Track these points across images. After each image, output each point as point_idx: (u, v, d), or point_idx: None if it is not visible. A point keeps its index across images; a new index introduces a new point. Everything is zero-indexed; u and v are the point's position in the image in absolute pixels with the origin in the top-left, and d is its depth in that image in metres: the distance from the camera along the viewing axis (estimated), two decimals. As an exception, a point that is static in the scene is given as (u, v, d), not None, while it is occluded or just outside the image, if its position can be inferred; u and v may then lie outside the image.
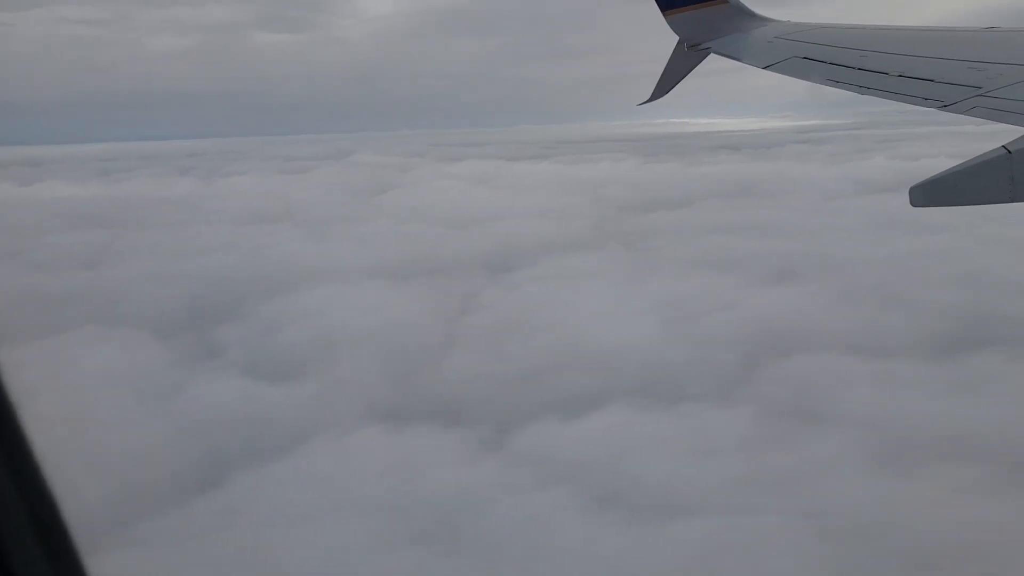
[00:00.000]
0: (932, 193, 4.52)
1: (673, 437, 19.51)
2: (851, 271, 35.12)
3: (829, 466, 17.32)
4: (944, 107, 5.67)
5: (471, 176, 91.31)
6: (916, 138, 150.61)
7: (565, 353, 27.01)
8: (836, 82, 7.02)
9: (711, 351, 25.72)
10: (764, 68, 8.15)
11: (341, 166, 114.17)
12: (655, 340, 27.19)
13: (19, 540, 1.30)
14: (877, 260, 37.24)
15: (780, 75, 7.77)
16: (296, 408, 22.75)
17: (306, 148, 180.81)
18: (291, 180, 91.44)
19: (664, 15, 9.72)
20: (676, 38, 9.68)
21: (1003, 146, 4.39)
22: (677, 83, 9.79)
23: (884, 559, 13.55)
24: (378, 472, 17.67)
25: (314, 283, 36.90)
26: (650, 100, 9.85)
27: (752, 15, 9.67)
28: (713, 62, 9.29)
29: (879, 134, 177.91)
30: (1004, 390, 22.19)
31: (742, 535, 14.18)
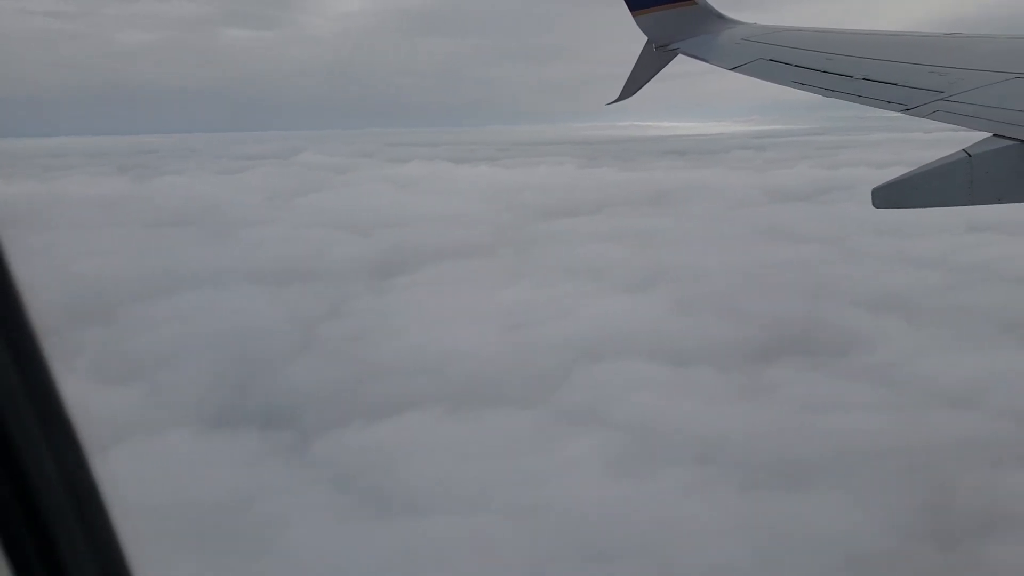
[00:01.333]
0: (893, 195, 4.63)
1: (459, 440, 20.80)
2: (705, 280, 36.70)
3: (577, 466, 18.70)
4: (907, 110, 5.75)
5: (405, 178, 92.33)
6: (860, 145, 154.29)
7: (402, 358, 28.21)
8: (802, 84, 7.09)
9: (535, 357, 27.07)
10: (731, 69, 8.25)
11: (281, 166, 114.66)
12: (489, 346, 28.49)
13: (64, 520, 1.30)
14: (735, 269, 38.87)
15: (753, 78, 7.81)
16: (117, 410, 23.69)
17: (259, 146, 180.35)
18: (224, 180, 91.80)
19: (633, 15, 9.79)
20: (645, 39, 9.81)
21: (963, 150, 4.54)
22: (645, 83, 9.92)
23: (574, 553, 14.91)
24: (157, 474, 18.72)
25: (192, 287, 37.80)
26: (618, 100, 9.99)
27: (720, 17, 9.79)
28: (688, 65, 9.34)
29: (826, 140, 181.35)
30: (784, 398, 23.82)
31: (454, 532, 15.46)
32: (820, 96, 6.75)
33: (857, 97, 6.32)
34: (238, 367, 28.01)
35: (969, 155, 4.43)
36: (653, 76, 9.84)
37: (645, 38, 9.79)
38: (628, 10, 9.76)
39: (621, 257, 42.54)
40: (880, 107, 6.05)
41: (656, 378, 24.59)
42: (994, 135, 4.58)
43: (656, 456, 19.47)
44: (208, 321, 32.78)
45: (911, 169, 4.54)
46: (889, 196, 4.59)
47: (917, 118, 5.61)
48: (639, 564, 14.40)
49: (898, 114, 5.82)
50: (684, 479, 18.09)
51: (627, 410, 22.23)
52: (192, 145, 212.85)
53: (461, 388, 24.76)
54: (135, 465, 19.87)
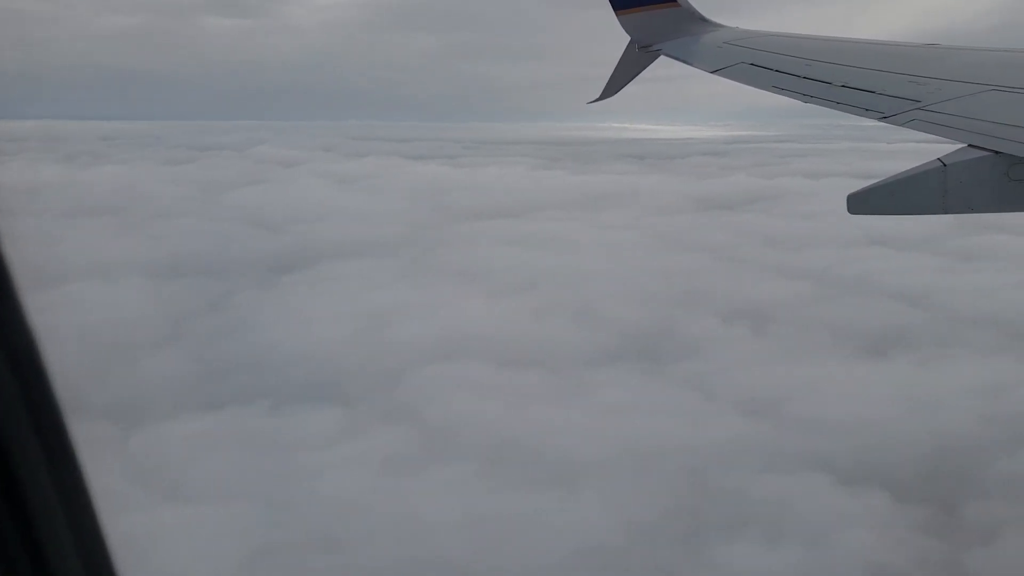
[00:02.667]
0: (867, 202, 4.65)
1: (261, 436, 21.78)
2: (580, 286, 37.86)
3: (357, 462, 19.73)
4: (884, 118, 5.78)
5: (350, 174, 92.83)
6: (819, 154, 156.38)
7: (256, 354, 29.13)
8: (781, 89, 7.10)
9: (379, 357, 28.08)
10: (712, 72, 8.24)
11: (233, 158, 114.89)
12: (341, 345, 29.45)
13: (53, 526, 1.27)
14: (614, 276, 40.10)
15: (737, 83, 7.80)
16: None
17: (222, 136, 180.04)
18: (165, 171, 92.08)
19: (617, 15, 9.80)
20: (628, 39, 9.82)
21: (939, 159, 4.57)
22: (627, 83, 9.91)
23: (301, 542, 15.94)
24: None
25: (80, 279, 38.42)
26: (600, 99, 9.98)
27: (703, 20, 9.78)
28: (677, 67, 9.36)
29: (789, 148, 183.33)
30: (598, 401, 24.97)
31: (194, 522, 16.45)
32: (799, 102, 6.75)
33: (835, 104, 6.36)
34: (93, 360, 28.73)
35: (944, 164, 4.43)
36: (635, 76, 9.86)
37: (628, 38, 9.80)
38: (612, 10, 9.77)
39: (513, 261, 43.61)
40: (858, 115, 6.07)
41: (483, 380, 25.65)
42: (969, 145, 4.60)
43: (444, 454, 20.54)
44: (80, 313, 33.44)
45: (885, 177, 4.55)
46: (863, 203, 4.58)
47: (893, 127, 5.68)
48: (359, 554, 15.44)
49: (874, 122, 5.93)
50: (453, 477, 19.17)
51: (440, 410, 23.27)
52: (156, 133, 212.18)
53: (296, 385, 25.70)
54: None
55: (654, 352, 29.58)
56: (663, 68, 9.61)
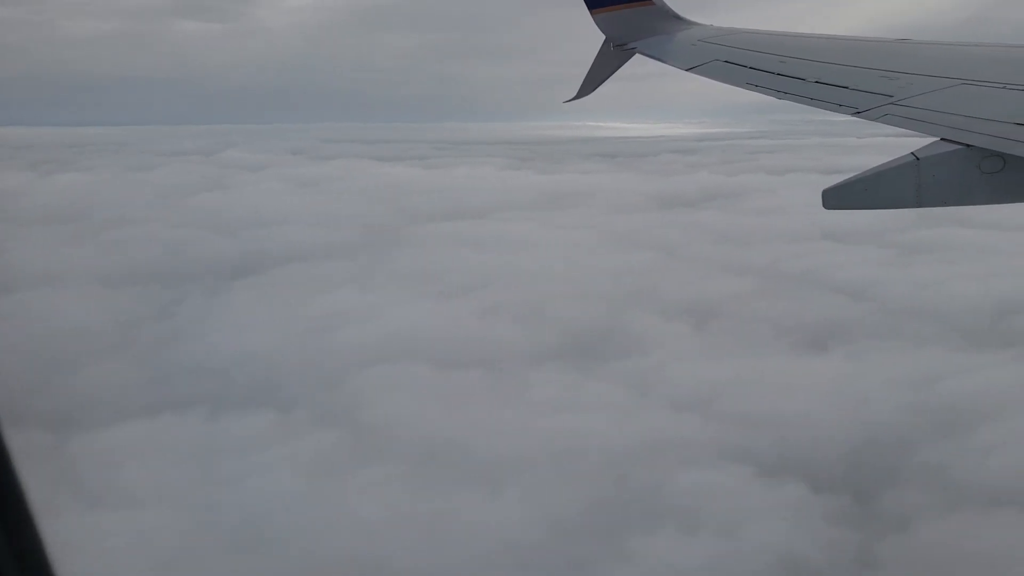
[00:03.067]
0: (842, 196, 4.64)
1: (195, 441, 21.98)
2: (529, 286, 38.26)
3: (284, 465, 20.01)
4: (857, 114, 5.76)
5: (315, 178, 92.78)
6: (786, 150, 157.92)
7: (201, 360, 29.27)
8: (755, 86, 7.11)
9: (322, 360, 28.32)
10: (687, 70, 8.26)
11: (199, 163, 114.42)
12: (285, 350, 29.67)
13: None
14: (564, 276, 40.56)
15: (712, 80, 7.80)
16: None
17: (191, 141, 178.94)
18: (129, 177, 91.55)
19: (591, 13, 9.83)
20: (603, 37, 9.85)
21: (912, 153, 4.58)
22: (603, 82, 9.94)
23: (217, 546, 16.19)
24: None
25: (32, 287, 38.32)
26: (575, 98, 10.03)
27: (677, 18, 9.85)
28: (655, 65, 9.33)
29: (759, 144, 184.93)
30: (534, 400, 25.37)
31: (114, 528, 16.67)
32: (773, 98, 6.80)
33: (809, 100, 6.38)
34: (37, 368, 28.75)
35: (917, 158, 4.49)
36: (611, 75, 9.90)
37: (603, 37, 9.86)
38: (587, 9, 9.82)
39: (467, 262, 43.94)
40: (831, 110, 6.11)
41: (422, 381, 25.99)
42: (941, 139, 4.66)
43: (373, 456, 20.86)
44: (27, 322, 33.43)
45: (860, 172, 4.59)
46: (838, 197, 4.61)
47: (865, 122, 5.73)
48: (271, 555, 15.73)
49: (847, 117, 5.97)
50: (379, 478, 19.49)
51: (375, 412, 23.58)
52: (126, 139, 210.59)
53: (235, 391, 25.90)
54: None
55: (595, 350, 30.03)
56: (641, 66, 9.68)
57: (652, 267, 43.59)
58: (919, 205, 4.50)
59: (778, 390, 26.12)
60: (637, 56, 9.49)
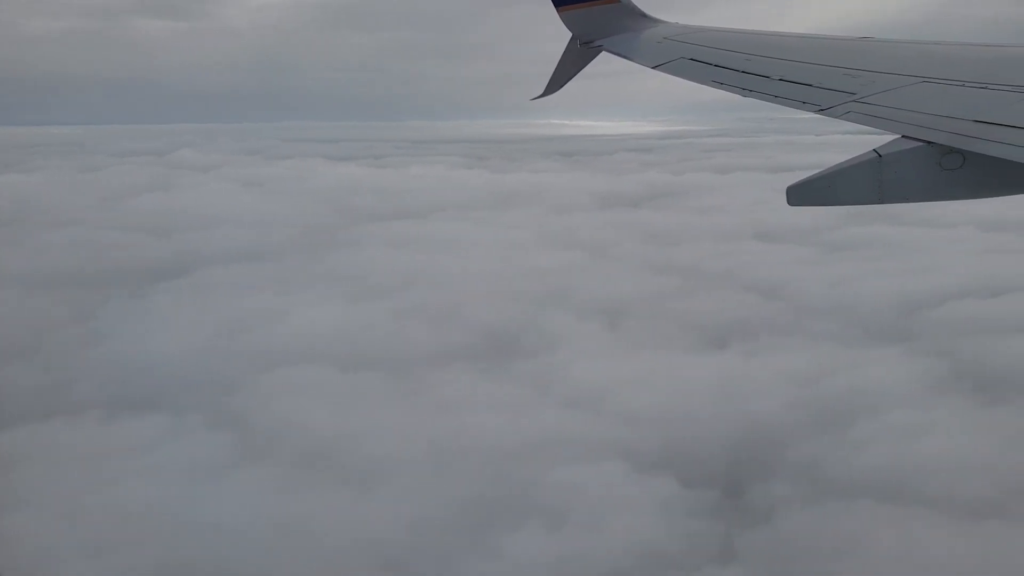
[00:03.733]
0: (806, 193, 4.66)
1: (82, 445, 22.13)
2: (450, 287, 38.69)
3: (166, 468, 20.27)
4: (821, 111, 5.80)
5: (262, 178, 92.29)
6: (742, 147, 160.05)
7: (108, 365, 29.34)
8: (721, 84, 7.14)
9: (224, 364, 28.51)
10: (653, 68, 8.25)
11: (149, 164, 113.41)
12: (191, 354, 29.79)
13: None
14: (488, 276, 41.01)
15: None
16: None
17: (147, 142, 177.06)
18: (74, 179, 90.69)
19: (558, 11, 9.90)
20: (569, 35, 9.91)
21: (874, 150, 4.63)
22: (569, 79, 9.97)
23: (73, 549, 16.46)
24: None
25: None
26: (542, 95, 10.09)
27: (643, 15, 9.86)
28: (623, 63, 9.31)
29: (718, 142, 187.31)
30: (431, 400, 25.78)
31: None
32: (739, 96, 6.84)
33: (774, 97, 6.41)
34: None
35: (879, 155, 4.56)
36: (577, 72, 9.95)
37: (570, 34, 9.95)
38: (553, 6, 9.88)
39: (395, 263, 44.26)
40: (796, 107, 6.13)
41: (321, 384, 26.29)
42: (903, 136, 4.75)
43: (256, 459, 21.14)
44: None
45: (824, 168, 4.67)
46: (802, 194, 4.64)
47: (827, 120, 5.76)
48: (129, 558, 16.01)
49: (812, 115, 6.05)
50: (255, 481, 19.81)
51: (267, 415, 23.85)
52: (83, 139, 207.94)
53: (135, 394, 26.02)
54: None
55: (503, 350, 30.47)
56: (611, 64, 9.60)
57: (578, 267, 44.22)
58: (881, 201, 4.57)
59: (670, 388, 26.75)
60: (608, 54, 9.56)
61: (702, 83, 7.42)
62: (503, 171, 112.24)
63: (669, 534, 18.67)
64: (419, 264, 43.84)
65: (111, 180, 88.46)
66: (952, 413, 24.46)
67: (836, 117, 5.55)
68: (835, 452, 22.48)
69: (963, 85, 5.37)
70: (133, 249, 49.00)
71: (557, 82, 9.96)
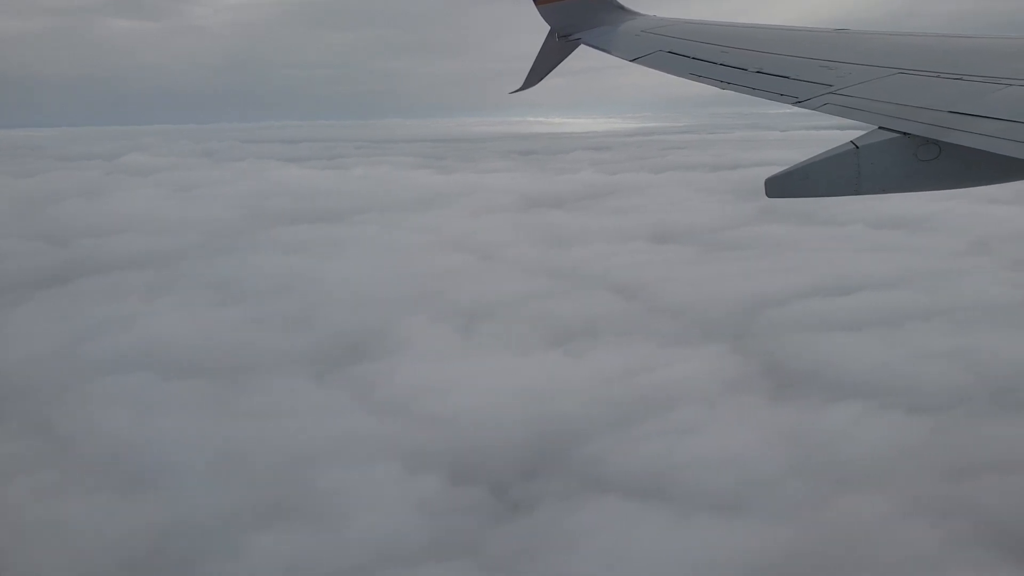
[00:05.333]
0: (784, 185, 4.66)
1: None
2: (320, 291, 39.53)
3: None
4: (798, 103, 5.83)
5: (196, 181, 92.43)
6: (700, 144, 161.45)
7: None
8: (699, 76, 7.14)
9: (63, 371, 29.23)
10: (631, 61, 8.26)
11: (89, 167, 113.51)
12: (36, 362, 30.48)
13: None
14: (369, 279, 41.86)
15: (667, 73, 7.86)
16: None
17: (101, 144, 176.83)
18: (4, 184, 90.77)
19: (536, 5, 9.93)
20: (548, 29, 9.98)
21: (851, 141, 4.65)
22: (548, 72, 10.04)
23: None
24: None
25: None
26: (521, 89, 10.11)
27: (621, 8, 9.88)
28: (609, 58, 9.29)
29: (682, 139, 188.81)
30: (250, 406, 26.57)
31: None
32: (716, 88, 6.83)
33: (751, 90, 6.40)
34: None
35: (856, 146, 4.57)
36: (556, 66, 10.00)
37: (548, 28, 10.00)
38: (532, 1, 9.91)
39: (282, 268, 45.04)
40: (773, 99, 6.15)
41: (141, 391, 27.04)
42: (880, 127, 4.76)
43: (41, 465, 21.93)
44: None
45: (803, 160, 4.74)
46: (780, 186, 4.66)
47: (806, 113, 5.83)
48: None
49: (787, 108, 6.08)
50: (37, 485, 20.66)
51: (73, 423, 24.62)
52: (40, 142, 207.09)
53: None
54: None
55: (344, 355, 31.29)
56: (598, 59, 9.54)
57: (461, 269, 45.07)
58: (859, 192, 4.56)
59: (487, 390, 27.64)
60: (586, 48, 9.60)
61: (680, 76, 7.46)
62: (448, 171, 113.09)
63: (415, 530, 19.59)
64: (301, 269, 44.62)
65: (42, 186, 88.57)
66: (736, 410, 25.55)
67: (813, 109, 5.65)
68: (613, 449, 23.49)
69: (939, 76, 5.39)
70: (25, 258, 49.48)
71: (536, 76, 10.09)
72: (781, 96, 6.06)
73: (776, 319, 34.48)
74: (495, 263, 47.15)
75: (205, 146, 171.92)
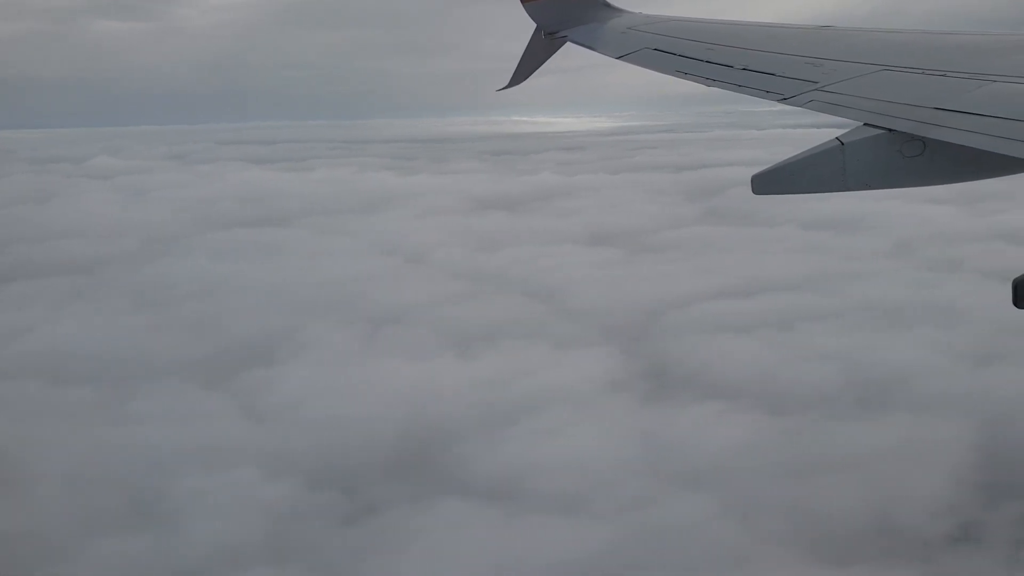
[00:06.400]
0: (771, 181, 4.69)
1: None
2: (237, 297, 39.87)
3: None
4: (784, 100, 5.84)
5: (150, 185, 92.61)
6: (672, 144, 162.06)
7: None
8: (685, 74, 7.12)
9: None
10: (617, 58, 8.26)
11: (50, 171, 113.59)
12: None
13: None
14: (280, 286, 42.21)
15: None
16: None
17: (73, 147, 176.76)
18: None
19: (522, 3, 9.92)
20: (535, 26, 9.99)
21: (837, 138, 4.67)
22: (535, 70, 10.06)
23: None
24: None
25: None
26: (508, 86, 10.15)
27: (607, 5, 9.86)
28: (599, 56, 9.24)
29: (656, 138, 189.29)
30: (125, 413, 26.96)
31: None
32: (702, 85, 6.84)
33: (737, 87, 6.41)
34: None
35: (842, 143, 4.60)
36: (542, 63, 10.03)
37: (535, 26, 10.01)
38: None
39: (204, 272, 45.36)
40: (759, 96, 6.17)
41: (22, 399, 27.41)
42: (865, 124, 4.80)
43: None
44: None
45: (788, 156, 4.76)
46: (767, 182, 4.70)
47: (791, 111, 5.88)
48: None
49: (771, 107, 6.10)
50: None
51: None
52: (12, 145, 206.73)
53: None
54: None
55: (242, 361, 31.56)
56: (587, 57, 9.53)
57: (383, 274, 45.46)
58: (845, 188, 4.59)
59: (372, 394, 28.10)
60: (583, 48, 9.61)
61: (666, 73, 7.45)
62: (411, 173, 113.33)
63: (254, 534, 20.02)
64: (224, 274, 44.93)
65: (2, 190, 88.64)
66: (604, 412, 26.08)
67: (799, 106, 5.66)
68: (475, 452, 23.96)
69: (923, 73, 5.42)
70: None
71: (522, 73, 10.11)
72: (767, 93, 6.11)
73: (675, 321, 35.03)
74: (420, 267, 47.60)
75: (180, 148, 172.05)
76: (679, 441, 23.49)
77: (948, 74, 5.23)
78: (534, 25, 10.05)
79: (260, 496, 21.66)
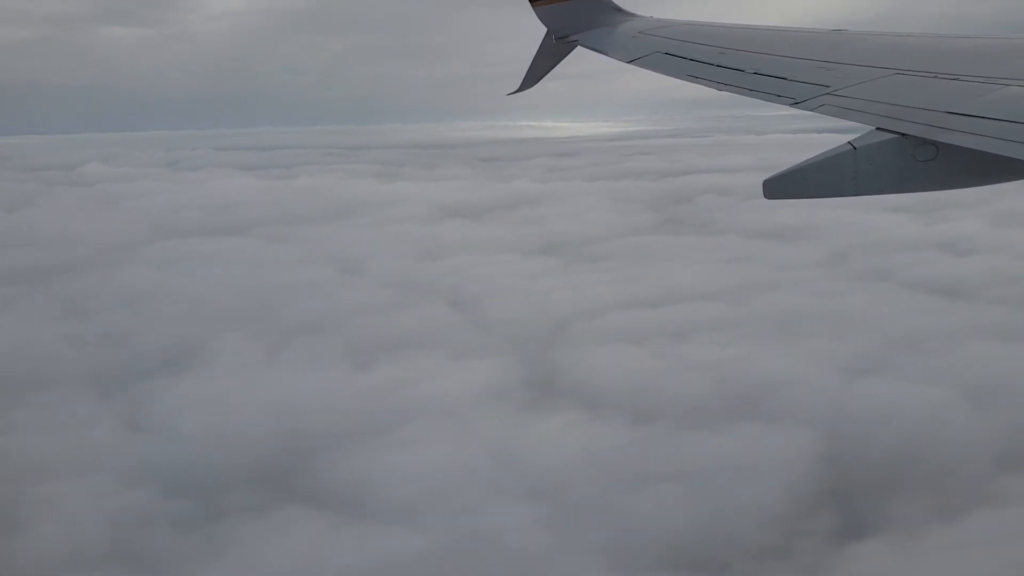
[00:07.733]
0: (783, 186, 4.67)
1: None
2: (163, 306, 40.62)
3: None
4: (795, 104, 5.82)
5: (127, 193, 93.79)
6: (667, 150, 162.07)
7: None
8: (696, 78, 7.12)
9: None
10: (628, 62, 8.28)
11: (31, 180, 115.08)
12: None
13: None
14: (210, 294, 42.94)
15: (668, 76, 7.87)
16: None
17: (68, 153, 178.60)
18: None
19: (533, 7, 10.03)
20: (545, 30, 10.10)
21: (849, 142, 4.65)
22: (545, 74, 10.14)
23: None
24: None
25: None
26: (518, 90, 10.21)
27: (618, 9, 9.95)
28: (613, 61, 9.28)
29: (652, 144, 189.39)
30: (17, 420, 27.66)
31: None
32: (713, 89, 6.83)
33: (748, 91, 6.39)
34: None
35: (854, 147, 4.59)
36: (553, 67, 10.09)
37: (545, 30, 10.10)
38: (528, 2, 10.02)
39: (139, 283, 46.17)
40: (770, 100, 6.14)
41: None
42: (877, 128, 4.79)
43: None
44: None
45: (800, 161, 4.76)
46: (779, 187, 4.68)
47: (799, 115, 6.49)
48: None
49: (780, 111, 6.08)
50: None
51: None
52: (8, 152, 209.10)
53: None
54: None
55: (145, 371, 32.30)
56: (599, 61, 9.49)
57: (313, 283, 45.99)
58: (857, 193, 4.56)
59: (255, 404, 28.67)
60: (594, 52, 9.63)
61: (677, 77, 7.43)
62: (392, 180, 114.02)
63: (92, 539, 20.65)
64: (160, 283, 45.71)
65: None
66: (473, 422, 26.55)
67: (810, 110, 5.61)
68: (334, 462, 24.51)
69: (935, 77, 5.36)
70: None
71: (533, 77, 10.17)
72: (778, 97, 6.07)
73: (580, 331, 35.47)
74: (353, 277, 48.15)
75: (177, 154, 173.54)
76: (528, 451, 23.96)
77: (960, 78, 5.18)
78: (545, 29, 10.18)
79: (110, 503, 22.30)
